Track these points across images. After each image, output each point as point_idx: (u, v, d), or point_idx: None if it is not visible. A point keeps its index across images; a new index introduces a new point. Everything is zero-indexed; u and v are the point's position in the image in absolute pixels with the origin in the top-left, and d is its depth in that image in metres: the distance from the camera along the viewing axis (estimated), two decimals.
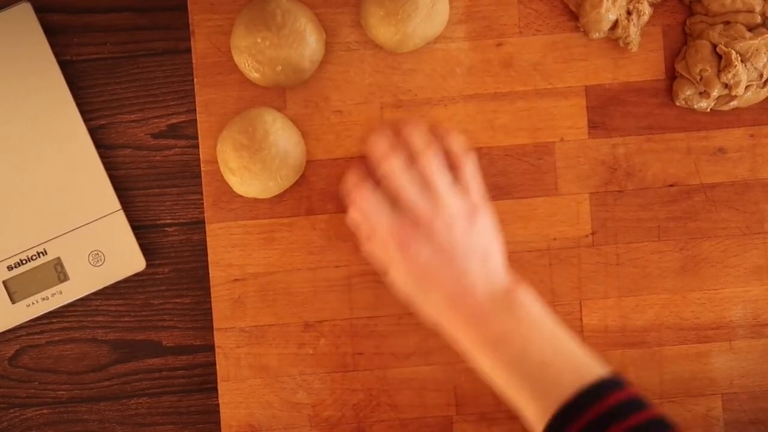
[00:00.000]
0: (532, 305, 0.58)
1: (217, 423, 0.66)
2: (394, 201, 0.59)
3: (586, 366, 0.56)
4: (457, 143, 0.61)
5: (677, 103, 0.65)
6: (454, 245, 0.58)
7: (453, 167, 0.61)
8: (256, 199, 0.65)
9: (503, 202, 0.66)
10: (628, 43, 0.65)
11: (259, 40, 0.62)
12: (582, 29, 0.65)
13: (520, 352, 0.56)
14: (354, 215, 0.61)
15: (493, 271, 0.59)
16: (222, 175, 0.64)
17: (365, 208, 0.60)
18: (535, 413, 0.55)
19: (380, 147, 0.60)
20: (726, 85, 0.63)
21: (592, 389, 0.54)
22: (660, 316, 0.66)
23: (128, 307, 0.67)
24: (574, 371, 0.55)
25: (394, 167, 0.59)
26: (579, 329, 0.66)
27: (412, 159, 0.60)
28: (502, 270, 0.59)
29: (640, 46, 0.65)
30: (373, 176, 0.61)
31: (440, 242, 0.58)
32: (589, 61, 0.66)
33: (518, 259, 0.65)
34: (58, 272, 0.64)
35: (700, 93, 0.64)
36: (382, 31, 0.63)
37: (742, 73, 0.63)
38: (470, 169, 0.61)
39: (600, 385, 0.54)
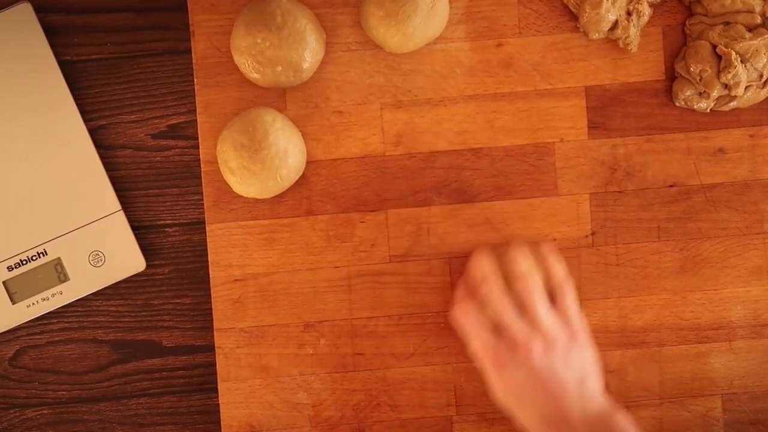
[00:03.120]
0: (629, 430, 0.58)
1: (218, 423, 0.66)
2: (495, 321, 0.60)
3: None
4: (559, 268, 0.62)
5: (677, 104, 0.65)
6: (550, 370, 0.59)
7: (552, 293, 0.61)
8: (256, 200, 0.65)
9: (503, 203, 0.66)
10: (627, 44, 0.65)
11: (259, 41, 0.62)
12: (582, 30, 0.65)
13: None
14: (458, 325, 0.62)
15: (589, 396, 0.59)
16: (222, 176, 0.64)
17: (466, 325, 0.61)
18: None
19: (482, 268, 0.61)
20: (726, 86, 0.63)
21: None
22: (660, 317, 0.66)
23: (128, 308, 0.67)
24: None
25: (493, 291, 0.60)
26: None
27: (513, 280, 0.61)
28: (599, 396, 0.60)
29: (639, 47, 0.65)
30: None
31: (536, 366, 0.59)
32: (589, 62, 0.66)
33: None
34: (58, 272, 0.64)
35: (700, 93, 0.64)
36: (382, 31, 0.63)
37: (741, 74, 0.63)
38: (569, 295, 0.61)
39: None
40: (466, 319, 0.61)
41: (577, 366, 0.60)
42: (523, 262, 0.61)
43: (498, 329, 0.60)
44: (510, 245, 0.62)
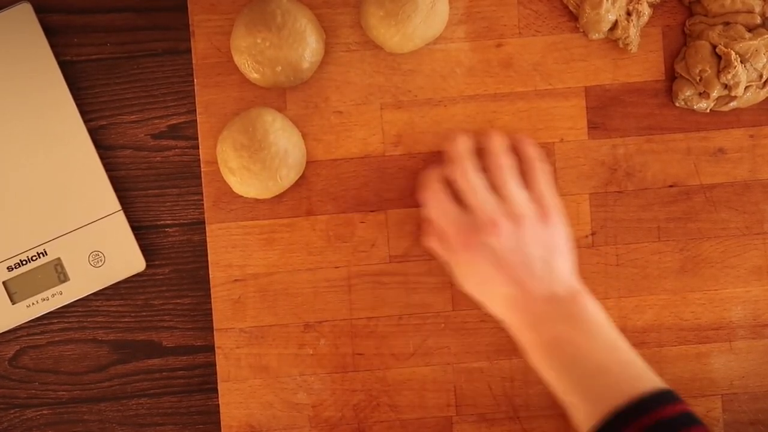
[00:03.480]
0: (593, 312, 0.59)
1: (218, 423, 0.66)
2: (464, 202, 0.60)
3: (643, 376, 0.57)
4: (533, 151, 0.62)
5: (677, 104, 0.65)
6: (516, 248, 0.58)
7: (526, 173, 0.61)
8: (256, 200, 0.65)
9: None
10: (627, 44, 0.65)
11: (259, 41, 0.62)
12: (582, 30, 0.65)
13: (575, 357, 0.57)
14: (425, 211, 0.62)
15: (557, 275, 0.59)
16: (222, 176, 0.64)
17: (434, 207, 0.61)
18: (584, 414, 0.56)
19: (458, 147, 0.61)
20: (726, 86, 0.63)
21: (647, 399, 0.55)
22: (660, 317, 0.66)
23: (128, 308, 0.67)
24: (631, 380, 0.56)
25: (467, 168, 0.60)
26: None
27: (488, 161, 0.61)
28: (568, 275, 0.60)
29: (639, 47, 0.65)
30: (447, 176, 0.62)
31: (503, 244, 0.58)
32: (589, 62, 0.66)
33: None
34: (58, 273, 0.64)
35: (700, 94, 0.64)
36: (382, 31, 0.63)
37: (741, 74, 0.63)
38: (543, 176, 0.61)
39: (656, 396, 0.55)
40: (434, 198, 0.61)
41: (545, 244, 0.59)
42: (495, 142, 0.61)
43: (466, 208, 0.60)
44: (484, 132, 0.62)
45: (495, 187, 0.60)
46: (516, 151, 0.63)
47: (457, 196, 0.61)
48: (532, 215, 0.59)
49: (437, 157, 0.65)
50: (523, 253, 0.58)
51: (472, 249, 0.59)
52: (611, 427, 0.54)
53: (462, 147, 0.61)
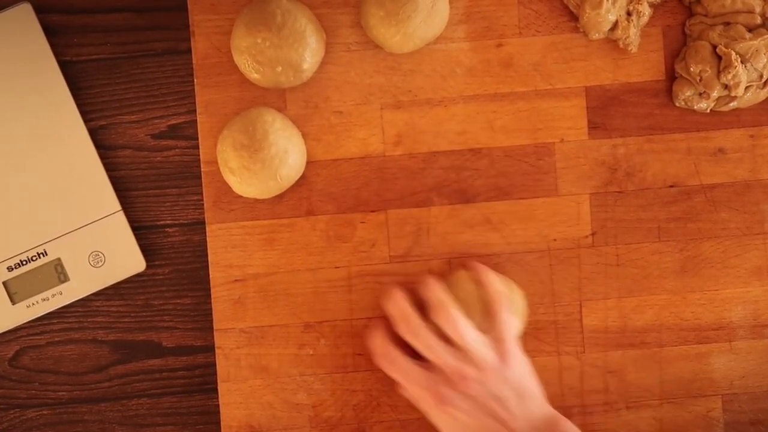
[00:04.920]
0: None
1: (218, 424, 0.66)
2: (424, 356, 0.60)
3: None
4: (492, 281, 0.61)
5: (677, 104, 0.65)
6: (490, 395, 0.59)
7: (486, 306, 0.61)
8: (256, 200, 0.65)
9: (503, 203, 0.66)
10: (628, 44, 0.65)
11: (259, 41, 0.62)
12: (582, 30, 0.65)
13: None
14: (387, 372, 0.62)
15: (531, 407, 0.60)
16: (222, 176, 0.64)
17: (396, 372, 0.61)
18: None
19: (398, 305, 0.61)
20: (726, 86, 0.63)
21: None
22: (660, 317, 0.66)
23: (128, 308, 0.67)
24: None
25: (416, 327, 0.60)
26: (579, 330, 0.66)
27: (434, 314, 0.60)
28: (541, 404, 0.61)
29: (640, 47, 0.65)
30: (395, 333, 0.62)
31: (475, 393, 0.59)
32: (589, 62, 0.66)
33: (518, 260, 0.66)
34: (58, 273, 0.64)
35: (700, 94, 0.64)
36: (382, 31, 0.63)
37: (741, 74, 0.63)
38: (502, 310, 0.61)
39: None
40: (394, 363, 0.61)
41: (513, 382, 0.60)
42: (436, 290, 0.61)
43: (428, 366, 0.60)
44: (420, 278, 0.62)
45: (448, 337, 0.60)
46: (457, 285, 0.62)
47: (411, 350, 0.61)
48: (494, 359, 0.60)
49: (437, 158, 0.65)
50: (495, 396, 0.59)
51: (446, 404, 0.59)
52: None
53: (402, 304, 0.61)
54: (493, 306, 0.61)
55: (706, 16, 0.65)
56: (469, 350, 0.59)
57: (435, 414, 0.61)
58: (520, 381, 0.60)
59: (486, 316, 0.61)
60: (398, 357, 0.61)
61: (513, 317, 0.62)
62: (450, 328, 0.60)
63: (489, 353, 0.60)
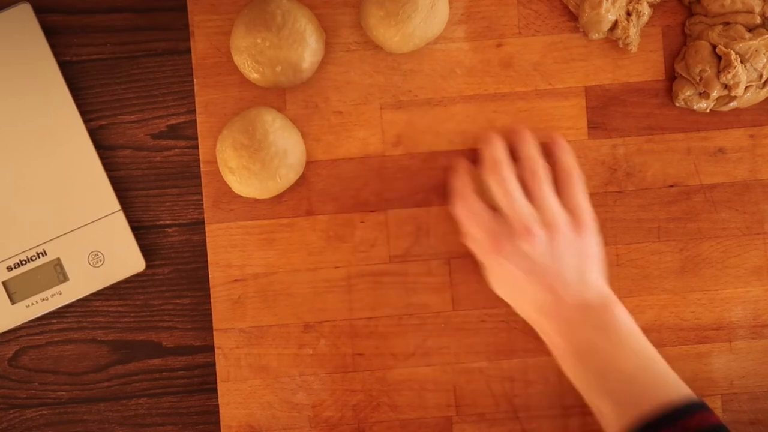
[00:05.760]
0: (624, 320, 0.59)
1: (217, 423, 0.66)
2: (497, 205, 0.60)
3: (673, 386, 0.57)
4: (568, 158, 0.62)
5: (677, 104, 0.65)
6: (551, 255, 0.59)
7: (559, 182, 0.61)
8: (256, 200, 0.65)
9: None
10: (627, 44, 0.65)
11: (259, 41, 0.62)
12: (582, 30, 0.65)
13: (605, 364, 0.57)
14: (456, 212, 0.62)
15: (589, 284, 0.60)
16: (222, 176, 0.64)
17: (466, 212, 0.61)
18: (612, 420, 0.56)
19: (493, 151, 0.61)
20: (725, 86, 0.63)
21: (677, 408, 0.55)
22: (660, 317, 0.66)
23: (128, 308, 0.67)
24: (661, 389, 0.56)
25: (504, 174, 0.60)
26: None
27: (522, 167, 0.61)
28: (600, 284, 0.60)
29: (639, 47, 0.65)
30: (474, 174, 0.62)
31: (536, 251, 0.59)
32: (589, 62, 0.66)
33: None
34: (57, 273, 0.64)
35: (700, 94, 0.64)
36: (382, 31, 0.63)
37: (741, 74, 0.63)
38: (577, 184, 0.61)
39: (686, 406, 0.55)
40: (466, 204, 0.61)
41: (578, 254, 0.59)
42: (530, 146, 0.61)
43: (499, 214, 0.60)
44: (517, 131, 0.62)
45: (529, 194, 0.60)
46: (549, 153, 0.63)
47: (486, 198, 0.61)
48: (566, 224, 0.60)
49: (437, 157, 0.65)
50: (556, 261, 0.59)
51: (505, 255, 0.59)
52: None
53: (498, 151, 0.61)
54: (567, 178, 0.61)
55: (705, 15, 0.65)
56: (545, 209, 0.59)
57: (488, 262, 0.60)
58: (586, 254, 0.60)
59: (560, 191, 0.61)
60: (473, 197, 0.61)
61: (586, 193, 0.61)
62: (533, 182, 0.60)
63: (564, 217, 0.60)
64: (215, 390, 0.66)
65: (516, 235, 0.59)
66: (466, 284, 0.65)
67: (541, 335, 0.61)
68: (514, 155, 0.62)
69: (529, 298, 0.60)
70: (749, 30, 0.64)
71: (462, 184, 0.62)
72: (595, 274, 0.60)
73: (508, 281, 0.60)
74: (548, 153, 0.63)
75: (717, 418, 0.55)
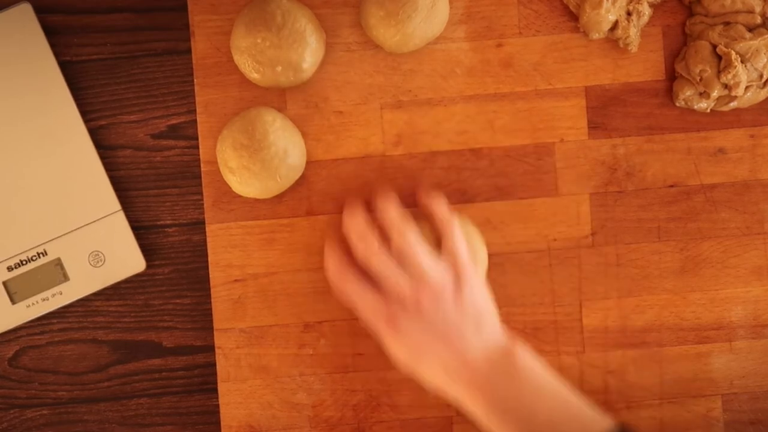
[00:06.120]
0: (531, 364, 0.58)
1: (217, 423, 0.66)
2: (375, 278, 0.59)
3: (592, 421, 0.56)
4: (441, 207, 0.61)
5: (677, 104, 0.65)
6: (444, 319, 0.57)
7: (437, 232, 0.60)
8: (256, 200, 0.65)
9: (503, 203, 0.66)
10: (628, 44, 0.65)
11: (259, 41, 0.62)
12: (582, 30, 0.65)
13: (526, 415, 0.56)
14: (337, 295, 0.61)
15: (487, 335, 0.58)
16: (222, 176, 0.64)
17: (347, 293, 0.59)
18: None
19: (356, 227, 0.59)
20: (726, 86, 0.63)
21: None
22: (660, 317, 0.66)
23: (128, 308, 0.67)
24: (584, 427, 0.56)
25: (371, 247, 0.58)
26: (579, 330, 0.66)
27: (391, 230, 0.59)
28: (498, 331, 0.59)
29: (640, 47, 0.65)
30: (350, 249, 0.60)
31: (429, 318, 0.57)
32: (589, 62, 0.66)
33: (518, 260, 0.65)
34: (58, 273, 0.64)
35: (700, 93, 0.64)
36: (382, 31, 0.63)
37: (741, 74, 0.63)
38: (454, 234, 0.60)
39: None
40: (348, 285, 0.59)
41: (470, 307, 0.58)
42: (393, 211, 0.59)
43: (382, 287, 0.58)
44: (377, 197, 0.60)
45: (403, 259, 0.58)
46: (415, 200, 0.62)
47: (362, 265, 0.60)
48: (450, 282, 0.58)
49: (437, 158, 0.65)
50: (450, 321, 0.57)
51: (398, 329, 0.58)
52: None
53: (360, 222, 0.59)
54: (443, 230, 0.59)
55: (706, 15, 0.64)
56: (424, 272, 0.57)
57: (387, 339, 0.59)
58: (477, 305, 0.58)
59: (438, 248, 0.59)
60: (352, 278, 0.59)
61: (464, 241, 0.60)
62: (406, 248, 0.58)
63: (445, 276, 0.58)
64: (215, 390, 0.66)
65: (403, 307, 0.57)
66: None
67: (457, 401, 0.59)
68: (378, 220, 0.60)
69: (436, 365, 0.58)
70: (750, 30, 0.64)
71: (335, 262, 0.60)
72: (491, 323, 0.59)
73: (410, 354, 0.59)
74: (420, 202, 0.62)
75: None
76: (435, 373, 0.58)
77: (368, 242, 0.59)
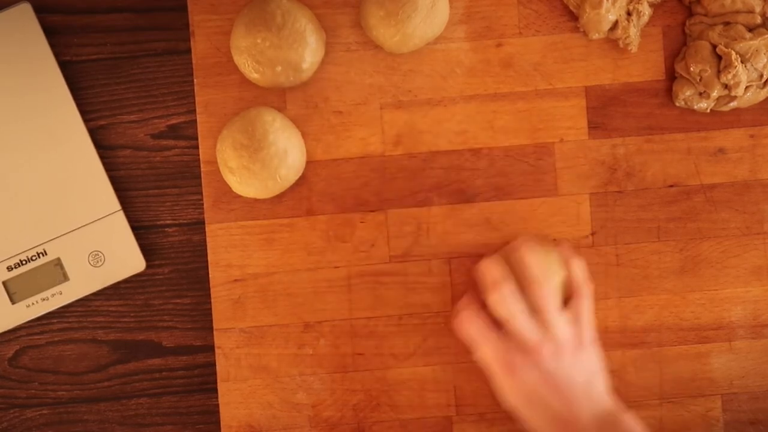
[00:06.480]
0: (635, 429, 0.59)
1: (217, 423, 0.66)
2: (500, 324, 0.60)
3: None
4: (580, 270, 0.61)
5: (677, 104, 0.65)
6: (560, 372, 0.59)
7: (569, 293, 0.61)
8: (256, 200, 0.65)
9: (503, 203, 0.66)
10: (627, 44, 0.65)
11: (259, 41, 0.62)
12: (582, 30, 0.65)
13: None
14: (463, 332, 0.62)
15: (597, 396, 0.60)
16: (222, 176, 0.64)
17: (472, 333, 0.61)
18: None
19: (492, 274, 0.61)
20: (726, 86, 0.63)
21: None
22: (660, 317, 0.66)
23: (128, 308, 0.67)
24: None
25: (506, 296, 0.60)
26: None
27: (525, 284, 0.60)
28: (606, 397, 0.61)
29: (639, 47, 0.65)
30: (479, 295, 0.62)
31: (546, 369, 0.59)
32: (589, 62, 0.66)
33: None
34: (58, 273, 0.64)
35: (700, 93, 0.64)
36: (382, 31, 0.63)
37: (741, 74, 0.63)
38: (586, 299, 0.61)
39: None
40: (474, 325, 0.61)
41: (585, 368, 0.60)
42: (536, 266, 0.60)
43: (504, 332, 0.60)
44: (519, 247, 0.61)
45: (534, 307, 0.60)
46: (562, 258, 0.62)
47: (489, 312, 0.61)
48: (571, 339, 0.60)
49: (437, 158, 0.65)
50: (566, 375, 0.59)
51: (516, 373, 0.60)
52: None
53: (497, 272, 0.60)
54: (577, 291, 0.61)
55: (706, 15, 0.64)
56: (551, 326, 0.59)
57: (504, 381, 0.60)
58: (592, 367, 0.61)
59: (564, 300, 0.61)
60: (479, 319, 0.61)
61: (592, 308, 0.62)
62: (541, 302, 0.60)
63: (569, 332, 0.60)
64: (215, 390, 0.66)
65: (526, 352, 0.59)
66: (466, 284, 0.65)
67: None
68: (516, 268, 0.61)
69: (547, 412, 0.60)
70: (750, 30, 0.64)
71: (467, 302, 0.62)
72: (600, 387, 0.61)
73: (523, 397, 0.60)
74: (560, 258, 0.62)
75: None
76: (541, 421, 0.60)
77: (503, 287, 0.60)
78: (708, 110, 0.65)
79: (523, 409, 0.60)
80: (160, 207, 0.67)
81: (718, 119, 0.66)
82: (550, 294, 0.60)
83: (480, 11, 0.66)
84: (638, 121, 0.66)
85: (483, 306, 0.61)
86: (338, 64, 0.65)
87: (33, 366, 0.67)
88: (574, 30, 0.66)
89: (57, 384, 0.67)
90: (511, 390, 0.60)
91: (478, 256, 0.65)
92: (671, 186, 0.66)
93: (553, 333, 0.59)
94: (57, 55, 0.65)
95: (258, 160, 0.62)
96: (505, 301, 0.60)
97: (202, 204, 0.66)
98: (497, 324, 0.61)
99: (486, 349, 0.61)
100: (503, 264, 0.61)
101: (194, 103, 0.66)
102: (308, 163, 0.65)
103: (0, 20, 0.64)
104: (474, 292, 0.62)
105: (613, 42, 0.65)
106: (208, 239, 0.65)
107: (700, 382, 0.66)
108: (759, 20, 0.64)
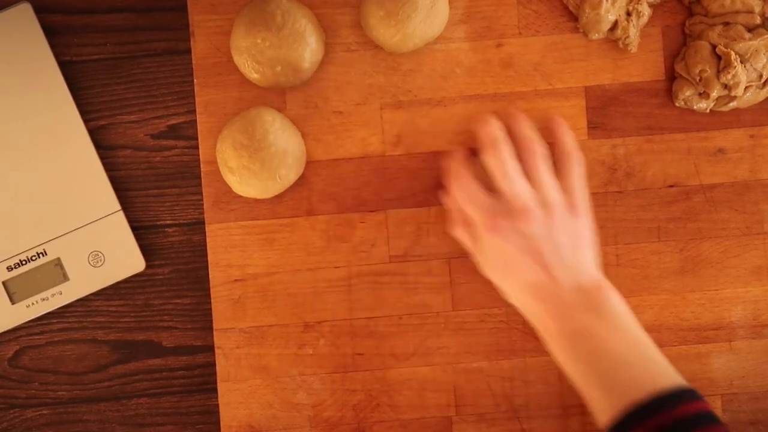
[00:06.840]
0: (618, 305, 0.58)
1: (217, 423, 0.66)
2: (494, 186, 0.60)
3: (664, 373, 0.57)
4: (568, 139, 0.62)
5: (677, 104, 0.65)
6: (546, 235, 0.58)
7: (558, 163, 0.61)
8: (256, 200, 0.65)
9: None
10: (627, 44, 0.65)
11: (259, 41, 0.62)
12: (581, 30, 0.65)
13: (597, 348, 0.57)
14: (449, 198, 0.62)
15: (583, 266, 0.59)
16: (222, 176, 0.64)
17: (461, 191, 0.60)
18: (602, 406, 0.56)
19: (490, 131, 0.60)
20: (725, 86, 0.63)
21: (667, 395, 0.55)
22: (660, 317, 0.66)
23: (128, 308, 0.67)
24: (652, 375, 0.56)
25: (502, 152, 0.59)
26: None
27: (520, 146, 0.60)
28: (593, 267, 0.60)
29: (639, 47, 0.65)
30: (471, 160, 0.62)
31: (533, 231, 0.58)
32: (589, 62, 0.66)
33: None
34: (58, 273, 0.64)
35: (700, 94, 0.64)
36: (382, 31, 0.63)
37: (741, 74, 0.63)
38: (576, 167, 0.61)
39: (676, 393, 0.55)
40: (461, 184, 0.60)
41: (572, 235, 0.59)
42: (527, 126, 0.61)
43: (495, 193, 0.60)
44: (515, 115, 0.62)
45: (527, 173, 0.60)
46: (549, 134, 0.62)
47: (481, 180, 0.61)
48: (562, 205, 0.59)
49: (437, 157, 0.65)
50: (552, 241, 0.58)
51: (500, 233, 0.59)
52: (629, 421, 0.54)
53: (495, 130, 0.60)
54: (566, 158, 0.61)
55: (705, 15, 0.65)
56: (543, 189, 0.59)
57: (482, 242, 0.60)
58: (581, 236, 0.60)
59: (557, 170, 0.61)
60: (467, 175, 0.61)
61: (584, 177, 0.61)
62: (531, 162, 0.59)
63: (560, 198, 0.59)
64: (215, 390, 0.66)
65: (513, 214, 0.58)
66: (466, 284, 0.65)
67: (531, 318, 0.61)
68: (512, 136, 0.62)
69: (523, 278, 0.59)
70: (749, 30, 0.64)
71: (458, 166, 0.62)
72: (588, 257, 0.60)
73: (501, 261, 0.60)
74: (548, 133, 0.63)
75: (707, 405, 0.55)
76: (518, 286, 0.59)
77: (499, 146, 0.60)
78: (708, 110, 0.65)
79: (499, 273, 0.60)
80: (160, 207, 0.67)
81: (718, 119, 0.66)
82: (541, 153, 0.60)
83: (480, 11, 0.66)
84: (638, 121, 0.66)
85: (475, 168, 0.61)
86: (338, 64, 0.65)
87: (33, 366, 0.67)
88: (573, 30, 0.66)
89: (57, 384, 0.67)
90: (491, 252, 0.59)
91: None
92: (671, 186, 0.66)
93: (543, 197, 0.59)
94: (57, 55, 0.65)
95: (258, 160, 0.62)
96: (502, 159, 0.59)
97: (202, 204, 0.66)
98: (488, 186, 0.60)
99: (473, 207, 0.60)
100: (501, 127, 0.61)
101: (194, 103, 0.66)
102: (308, 163, 0.65)
103: (0, 20, 0.64)
104: (470, 164, 0.62)
105: (612, 42, 0.66)
106: (208, 239, 0.65)
107: (700, 383, 0.66)
108: (758, 20, 0.64)
